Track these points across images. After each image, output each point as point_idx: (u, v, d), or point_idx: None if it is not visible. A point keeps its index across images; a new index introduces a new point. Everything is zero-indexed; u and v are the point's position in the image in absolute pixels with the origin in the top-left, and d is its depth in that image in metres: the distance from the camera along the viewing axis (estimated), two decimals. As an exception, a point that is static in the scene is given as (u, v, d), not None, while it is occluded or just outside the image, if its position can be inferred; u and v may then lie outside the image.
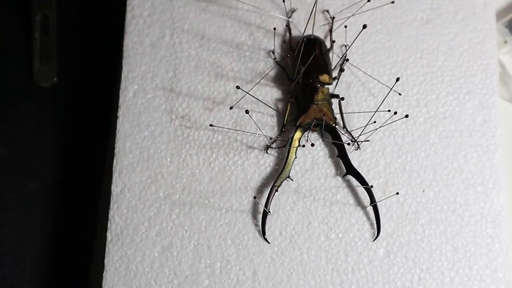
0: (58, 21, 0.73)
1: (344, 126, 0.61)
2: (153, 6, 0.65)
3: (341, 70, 0.60)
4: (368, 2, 0.62)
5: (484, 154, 0.61)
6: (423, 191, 0.60)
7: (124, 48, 0.63)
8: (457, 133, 0.61)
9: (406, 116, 0.57)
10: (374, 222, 0.58)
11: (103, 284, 0.57)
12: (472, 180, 0.60)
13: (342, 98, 0.60)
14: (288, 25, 0.64)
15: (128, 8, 0.65)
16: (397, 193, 0.59)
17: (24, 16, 0.73)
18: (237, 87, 0.57)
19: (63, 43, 0.72)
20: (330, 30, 0.64)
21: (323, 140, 0.61)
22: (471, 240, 0.59)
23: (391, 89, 0.57)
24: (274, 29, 0.62)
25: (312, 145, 0.58)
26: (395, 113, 0.57)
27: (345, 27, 0.62)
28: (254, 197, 0.58)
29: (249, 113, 0.59)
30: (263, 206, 0.58)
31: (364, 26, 0.57)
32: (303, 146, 0.59)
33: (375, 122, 0.58)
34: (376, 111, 0.58)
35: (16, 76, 0.71)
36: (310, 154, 0.60)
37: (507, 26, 0.67)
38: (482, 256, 0.58)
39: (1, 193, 0.68)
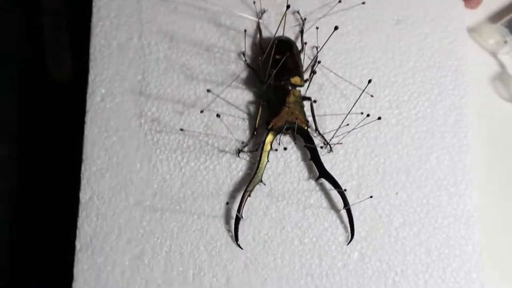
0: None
1: (317, 129, 0.60)
2: (120, 8, 0.63)
3: (313, 72, 0.60)
4: (339, 3, 0.61)
5: (457, 155, 0.61)
6: (396, 193, 0.59)
7: (91, 51, 0.62)
8: (429, 134, 0.61)
9: (379, 118, 0.57)
10: (348, 225, 0.58)
11: (73, 294, 0.56)
12: (445, 181, 0.60)
13: (315, 101, 0.59)
14: (258, 27, 0.63)
15: (94, 10, 0.63)
16: (371, 197, 0.58)
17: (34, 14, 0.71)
18: (208, 91, 0.56)
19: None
20: (301, 32, 0.63)
21: (295, 143, 0.60)
22: (445, 242, 0.58)
23: (363, 91, 0.56)
24: (245, 31, 0.61)
25: (285, 149, 0.58)
26: (368, 115, 0.57)
27: (317, 28, 0.62)
28: (227, 203, 0.57)
29: (220, 116, 0.58)
30: (236, 211, 0.57)
31: (336, 28, 0.56)
32: (276, 150, 0.58)
33: (348, 124, 0.57)
34: (348, 113, 0.57)
35: (15, 75, 0.69)
36: (283, 157, 0.60)
37: (507, 26, 0.67)
38: (455, 258, 0.58)
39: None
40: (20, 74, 0.70)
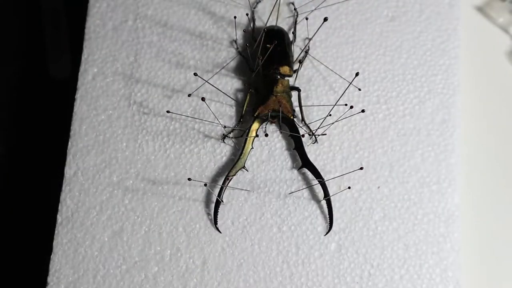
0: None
1: (303, 119, 0.60)
2: (118, -10, 0.64)
3: (300, 61, 0.60)
4: (333, -3, 0.62)
5: (441, 153, 0.61)
6: (378, 187, 0.60)
7: (86, 31, 0.63)
8: (416, 131, 0.61)
9: (363, 111, 0.57)
10: (327, 216, 0.58)
11: (50, 266, 0.57)
12: (427, 179, 0.60)
13: (300, 90, 0.60)
14: (252, 15, 0.63)
15: (92, -10, 0.64)
16: (349, 187, 0.58)
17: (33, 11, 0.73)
18: (195, 74, 0.56)
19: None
20: (295, 23, 0.63)
21: (280, 132, 0.60)
22: (423, 239, 0.58)
23: (350, 83, 0.57)
24: (235, 17, 0.62)
25: (266, 135, 0.58)
26: (351, 107, 0.57)
27: (306, 19, 0.62)
28: (205, 184, 0.58)
29: (208, 102, 0.59)
30: (216, 195, 0.57)
31: (325, 19, 0.56)
32: (257, 135, 0.58)
33: (330, 115, 0.58)
34: (335, 105, 0.58)
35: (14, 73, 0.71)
36: (267, 145, 0.60)
37: None
38: (433, 255, 0.58)
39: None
40: (19, 72, 0.71)
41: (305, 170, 0.59)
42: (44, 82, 0.70)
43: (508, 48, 0.68)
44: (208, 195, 0.59)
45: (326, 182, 0.58)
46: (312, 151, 0.60)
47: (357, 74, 0.56)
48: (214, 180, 0.59)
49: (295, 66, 0.61)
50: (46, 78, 0.70)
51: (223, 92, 0.60)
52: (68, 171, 0.59)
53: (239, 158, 0.58)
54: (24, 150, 0.69)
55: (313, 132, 0.60)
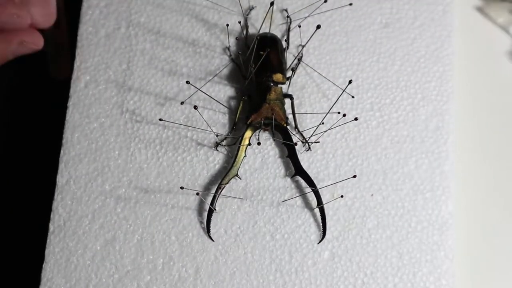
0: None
1: (296, 127, 0.60)
2: (110, -3, 0.64)
3: (293, 69, 0.60)
4: (327, 3, 0.61)
5: (435, 161, 0.60)
6: (372, 195, 0.59)
7: (78, 38, 0.63)
8: (409, 138, 0.61)
9: (356, 119, 0.57)
10: (321, 224, 0.58)
11: (42, 275, 0.56)
12: (421, 186, 0.60)
13: (293, 97, 0.60)
14: (245, 22, 0.63)
15: (85, -3, 0.64)
16: (342, 196, 0.58)
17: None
18: (187, 82, 0.56)
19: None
20: (288, 30, 0.63)
21: (273, 140, 0.60)
22: (417, 246, 0.58)
23: (344, 90, 0.57)
24: (227, 25, 0.62)
25: (259, 143, 0.58)
26: (344, 115, 0.57)
27: (299, 26, 0.62)
28: (197, 193, 0.58)
29: (201, 109, 0.59)
30: (209, 203, 0.57)
31: (318, 27, 0.56)
32: (250, 144, 0.58)
33: (323, 123, 0.57)
34: (328, 112, 0.58)
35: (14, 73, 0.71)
36: (260, 153, 0.60)
37: None
38: (426, 263, 0.58)
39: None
40: (19, 72, 0.70)
41: (298, 178, 0.59)
42: (44, 82, 0.70)
43: (508, 48, 0.68)
44: (201, 204, 0.58)
45: (319, 190, 0.58)
46: (305, 159, 0.60)
47: (350, 81, 0.56)
48: (207, 188, 0.59)
49: (288, 74, 0.61)
50: (46, 78, 0.70)
51: (216, 100, 0.60)
52: (60, 179, 0.59)
53: (232, 166, 0.58)
54: (19, 153, 0.69)
55: (306, 139, 0.60)
